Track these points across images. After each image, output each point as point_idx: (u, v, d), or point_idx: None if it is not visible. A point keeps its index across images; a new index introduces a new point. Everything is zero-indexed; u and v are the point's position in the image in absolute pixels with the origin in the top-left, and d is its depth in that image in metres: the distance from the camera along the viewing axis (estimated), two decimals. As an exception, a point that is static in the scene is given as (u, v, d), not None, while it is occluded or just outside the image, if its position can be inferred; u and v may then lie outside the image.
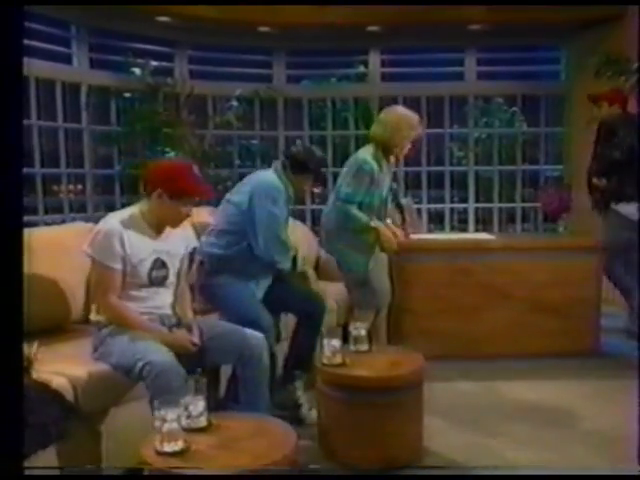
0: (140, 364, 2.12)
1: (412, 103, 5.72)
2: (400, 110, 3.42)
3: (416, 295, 3.69)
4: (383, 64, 5.85)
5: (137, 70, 5.01)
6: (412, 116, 3.35)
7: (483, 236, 4.18)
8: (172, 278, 2.44)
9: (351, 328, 2.68)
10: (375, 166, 3.23)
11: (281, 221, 2.84)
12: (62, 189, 4.94)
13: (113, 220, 2.31)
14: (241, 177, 5.56)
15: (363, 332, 2.65)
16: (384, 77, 5.87)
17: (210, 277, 2.82)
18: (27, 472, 1.53)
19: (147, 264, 2.34)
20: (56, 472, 1.93)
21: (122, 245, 2.27)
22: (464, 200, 5.94)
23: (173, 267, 2.44)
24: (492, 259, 3.74)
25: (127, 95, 5.10)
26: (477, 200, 5.96)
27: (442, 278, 3.70)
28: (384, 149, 3.30)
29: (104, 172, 5.18)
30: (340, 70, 6.15)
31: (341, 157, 5.58)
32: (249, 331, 2.46)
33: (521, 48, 5.91)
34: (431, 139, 5.89)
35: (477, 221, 5.94)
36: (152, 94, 5.01)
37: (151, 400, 2.00)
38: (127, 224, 2.30)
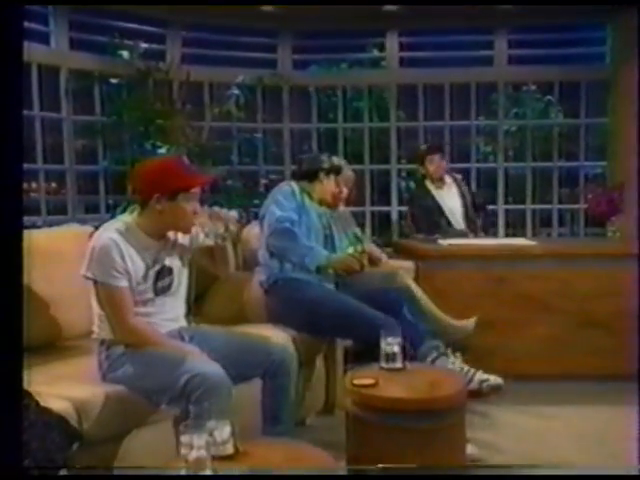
0: (185, 378, 2.14)
1: (434, 92, 5.81)
2: None
3: (444, 307, 3.56)
4: (401, 47, 5.90)
5: (125, 53, 5.06)
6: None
7: (521, 241, 4.19)
8: (178, 281, 2.48)
9: (383, 343, 2.68)
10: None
11: (285, 221, 3.08)
12: (38, 187, 4.93)
13: (107, 233, 2.32)
14: (241, 175, 5.80)
15: (396, 348, 2.64)
16: (402, 62, 5.91)
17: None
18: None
19: (151, 277, 2.38)
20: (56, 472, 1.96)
21: (123, 259, 2.29)
22: (492, 201, 5.94)
23: (179, 271, 2.48)
24: (532, 267, 3.74)
25: (113, 81, 5.14)
26: (507, 201, 5.99)
27: (474, 288, 3.69)
28: None
29: (87, 169, 5.20)
30: (353, 54, 6.20)
31: (353, 153, 5.62)
32: (274, 339, 2.54)
33: (558, 28, 5.93)
34: (455, 132, 5.93)
35: (507, 225, 5.98)
36: (142, 80, 5.06)
37: (176, 421, 2.03)
38: (124, 236, 2.33)
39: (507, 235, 5.77)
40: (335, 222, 3.58)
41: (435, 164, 4.50)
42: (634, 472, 2.15)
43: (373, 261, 3.51)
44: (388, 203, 5.96)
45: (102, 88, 5.11)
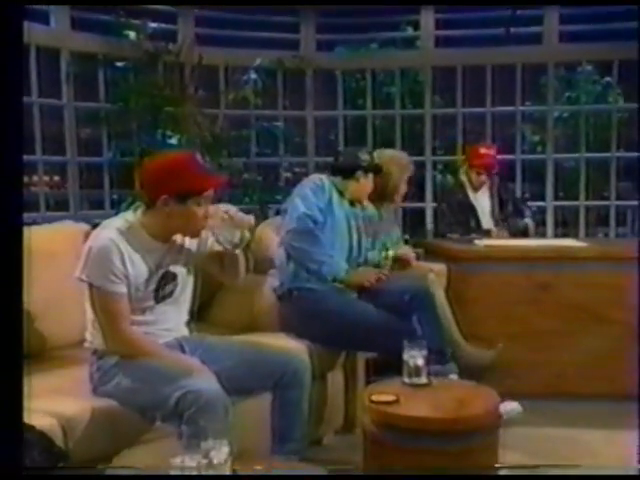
0: (177, 394, 2.16)
1: (474, 74, 5.75)
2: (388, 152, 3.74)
3: (481, 315, 3.66)
4: (437, 25, 5.83)
5: (131, 33, 5.07)
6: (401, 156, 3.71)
7: (569, 242, 4.13)
8: (182, 289, 2.50)
9: (406, 356, 2.66)
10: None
11: (309, 220, 3.10)
12: (37, 181, 5.00)
13: (107, 232, 2.34)
14: (259, 167, 5.82)
15: (420, 361, 2.62)
16: (438, 42, 5.84)
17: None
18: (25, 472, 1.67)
19: (153, 283, 2.41)
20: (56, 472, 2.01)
21: (123, 262, 2.31)
22: (540, 197, 5.87)
23: (183, 278, 2.50)
24: (581, 271, 3.71)
25: (119, 64, 5.15)
26: (557, 197, 5.91)
27: (514, 295, 3.68)
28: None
29: (90, 160, 5.24)
30: (383, 34, 6.18)
31: (383, 143, 5.58)
32: (287, 348, 2.60)
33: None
34: (498, 120, 5.87)
35: (557, 223, 5.90)
36: (150, 63, 5.08)
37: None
38: (125, 237, 2.34)
39: (557, 236, 5.68)
40: (371, 224, 3.55)
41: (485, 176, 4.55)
42: (634, 472, 2.21)
43: (403, 264, 3.51)
44: (422, 199, 5.92)
45: (107, 72, 5.13)
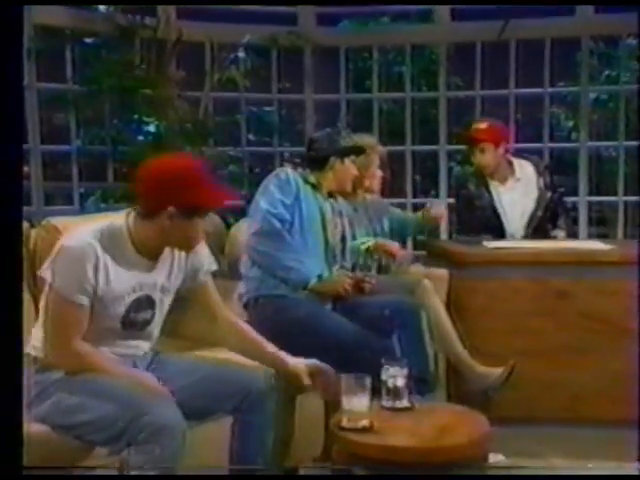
0: (128, 416, 2.17)
1: (495, 51, 5.69)
2: None
3: (488, 328, 3.65)
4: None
5: (103, 6, 5.08)
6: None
7: (591, 244, 4.08)
8: (158, 321, 2.53)
9: (384, 376, 2.64)
10: None
11: (274, 220, 3.10)
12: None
13: (87, 235, 2.34)
14: (251, 156, 5.80)
15: (401, 382, 2.61)
16: (454, 15, 5.79)
17: None
18: (25, 472, 1.74)
19: (124, 304, 2.39)
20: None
21: (96, 273, 2.30)
22: (573, 191, 5.79)
23: (162, 307, 2.52)
24: (604, 277, 3.68)
25: (89, 40, 5.17)
26: (591, 191, 5.86)
27: (526, 305, 3.66)
28: None
29: (57, 149, 5.26)
30: (394, 6, 6.12)
31: (391, 130, 5.55)
32: (252, 366, 2.59)
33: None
34: (524, 102, 5.84)
35: (591, 221, 5.86)
36: (125, 39, 5.09)
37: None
38: (107, 244, 2.34)
39: (591, 236, 5.65)
40: (357, 218, 3.56)
41: (490, 154, 4.34)
42: (634, 472, 2.28)
43: (387, 257, 3.49)
44: (435, 194, 5.89)
45: (74, 49, 5.14)
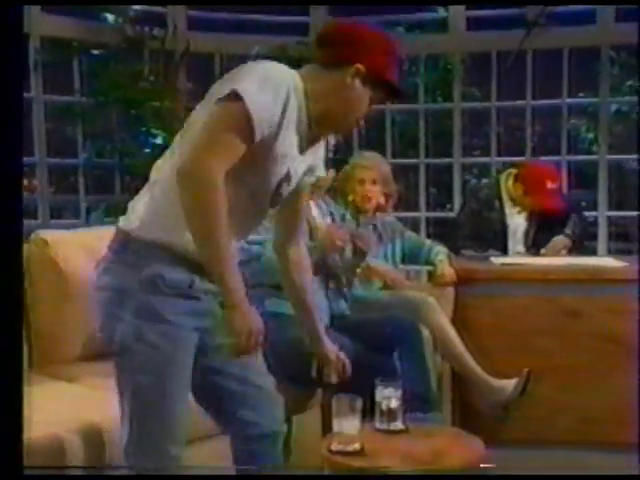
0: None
1: (511, 61, 5.66)
2: None
3: (494, 346, 3.61)
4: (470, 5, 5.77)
5: (111, 16, 5.13)
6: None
7: (604, 261, 4.03)
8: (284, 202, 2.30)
9: (378, 397, 2.61)
10: None
11: None
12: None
13: (291, 75, 2.10)
14: None
15: (395, 403, 2.57)
16: (470, 24, 5.79)
17: None
18: (27, 472, 1.77)
19: (278, 175, 2.13)
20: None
21: (283, 114, 2.03)
22: (592, 206, 5.77)
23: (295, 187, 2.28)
24: (617, 296, 3.62)
25: (96, 52, 5.23)
26: (611, 205, 5.81)
27: (536, 324, 3.62)
28: None
29: (63, 162, 5.32)
30: (409, 15, 6.12)
31: (404, 142, 5.52)
32: None
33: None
34: (540, 114, 5.79)
35: (610, 236, 5.79)
36: (133, 51, 5.14)
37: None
38: (295, 98, 2.08)
39: (610, 252, 5.58)
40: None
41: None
42: (634, 472, 2.26)
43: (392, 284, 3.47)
44: (450, 207, 5.88)
45: (82, 61, 5.20)
